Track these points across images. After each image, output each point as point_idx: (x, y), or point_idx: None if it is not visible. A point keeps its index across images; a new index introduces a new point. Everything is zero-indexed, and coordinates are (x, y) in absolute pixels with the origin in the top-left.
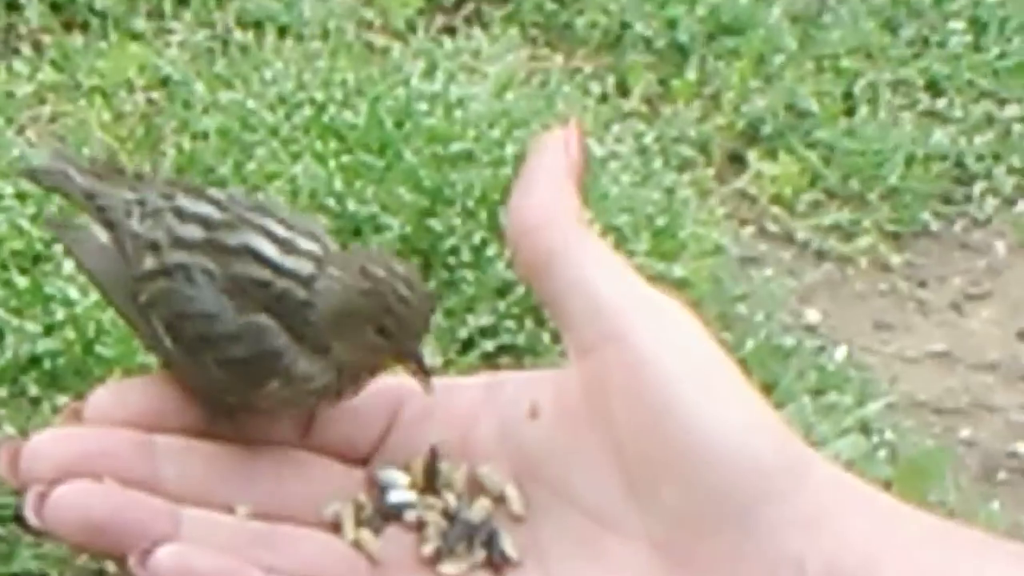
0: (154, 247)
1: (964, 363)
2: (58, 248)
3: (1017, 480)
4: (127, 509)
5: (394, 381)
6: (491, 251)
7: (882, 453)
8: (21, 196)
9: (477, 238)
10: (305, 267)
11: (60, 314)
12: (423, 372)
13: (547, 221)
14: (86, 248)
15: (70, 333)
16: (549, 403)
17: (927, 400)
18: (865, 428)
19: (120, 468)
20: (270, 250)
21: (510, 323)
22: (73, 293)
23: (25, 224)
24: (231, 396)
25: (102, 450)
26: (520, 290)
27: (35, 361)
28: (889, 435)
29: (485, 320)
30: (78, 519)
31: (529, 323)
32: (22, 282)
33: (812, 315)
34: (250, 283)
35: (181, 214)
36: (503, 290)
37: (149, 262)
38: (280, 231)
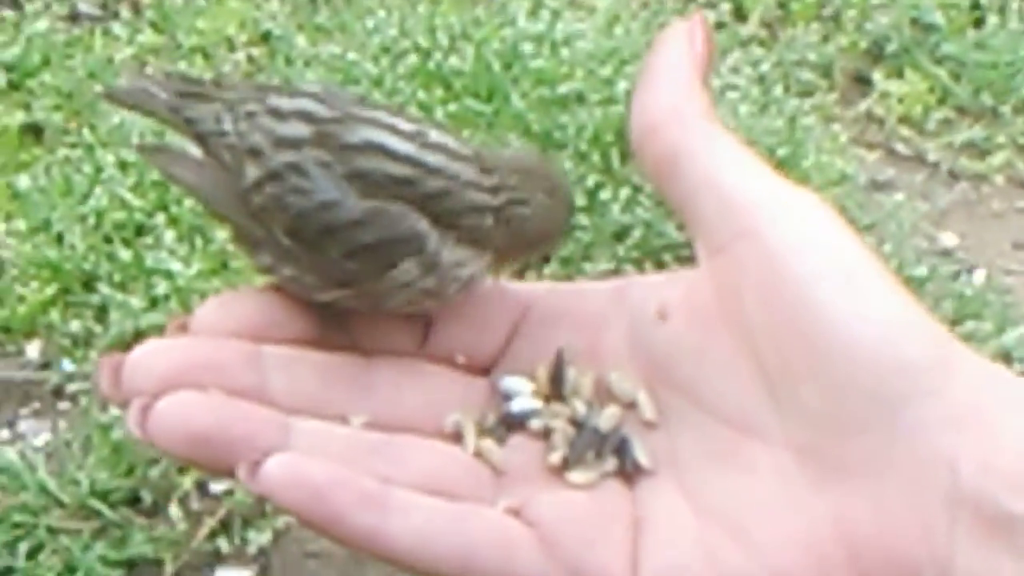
0: (254, 152)
1: None
2: (160, 219)
3: None
4: (234, 420)
5: (518, 287)
6: (606, 195)
7: None
8: (123, 166)
9: (591, 182)
10: (469, 171)
11: (163, 287)
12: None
13: (673, 118)
14: (184, 167)
15: (174, 305)
16: (680, 305)
17: None
18: (1006, 355)
19: (227, 379)
20: (403, 146)
21: (629, 268)
22: (175, 265)
23: (127, 195)
24: (360, 294)
25: (208, 361)
26: (638, 233)
27: (139, 335)
28: None
29: (603, 267)
30: (183, 431)
31: (649, 267)
32: (125, 255)
33: (948, 239)
34: (386, 179)
35: (279, 113)
36: (620, 234)
37: (252, 171)
38: (401, 124)
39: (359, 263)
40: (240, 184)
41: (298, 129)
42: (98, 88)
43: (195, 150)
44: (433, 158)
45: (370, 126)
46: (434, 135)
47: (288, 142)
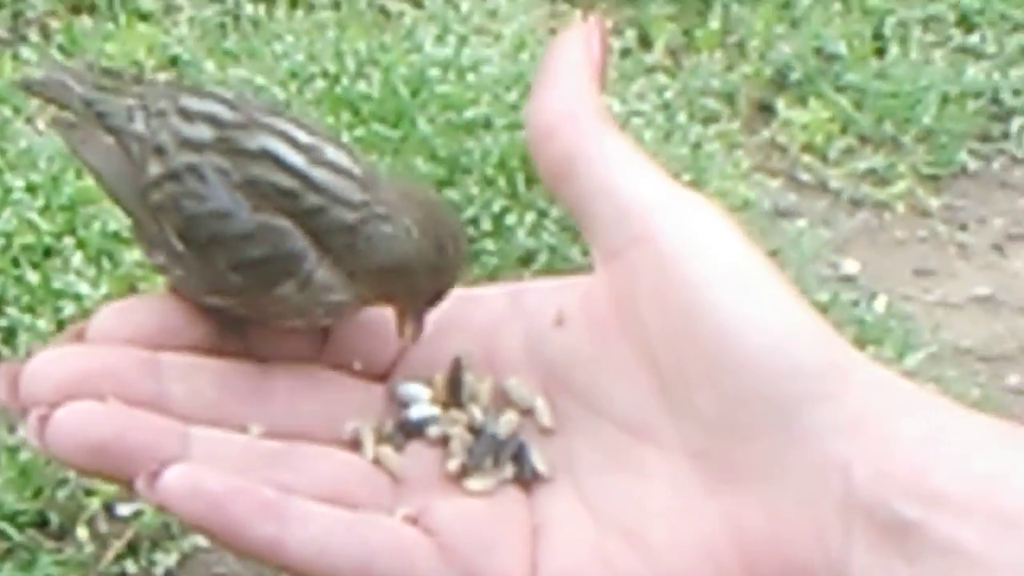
0: (160, 150)
1: (1009, 306)
2: (68, 241)
3: None
4: (132, 429)
5: None
6: (512, 219)
7: None
8: (31, 188)
9: (497, 206)
10: (347, 189)
11: (70, 309)
12: (418, 331)
13: (568, 122)
14: (93, 148)
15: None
16: (576, 311)
17: (972, 347)
18: (908, 380)
19: (125, 387)
20: (294, 157)
21: None
22: (84, 288)
23: (35, 218)
24: (243, 304)
25: (105, 369)
26: (543, 258)
27: None
28: (933, 386)
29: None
30: (81, 441)
31: None
32: (33, 278)
33: (850, 265)
34: (272, 189)
35: (187, 114)
36: (526, 259)
37: (155, 168)
38: (301, 136)
39: (243, 276)
40: (142, 179)
41: (203, 132)
42: (7, 111)
43: (107, 136)
44: (318, 173)
45: (269, 134)
46: (330, 151)
47: (191, 144)
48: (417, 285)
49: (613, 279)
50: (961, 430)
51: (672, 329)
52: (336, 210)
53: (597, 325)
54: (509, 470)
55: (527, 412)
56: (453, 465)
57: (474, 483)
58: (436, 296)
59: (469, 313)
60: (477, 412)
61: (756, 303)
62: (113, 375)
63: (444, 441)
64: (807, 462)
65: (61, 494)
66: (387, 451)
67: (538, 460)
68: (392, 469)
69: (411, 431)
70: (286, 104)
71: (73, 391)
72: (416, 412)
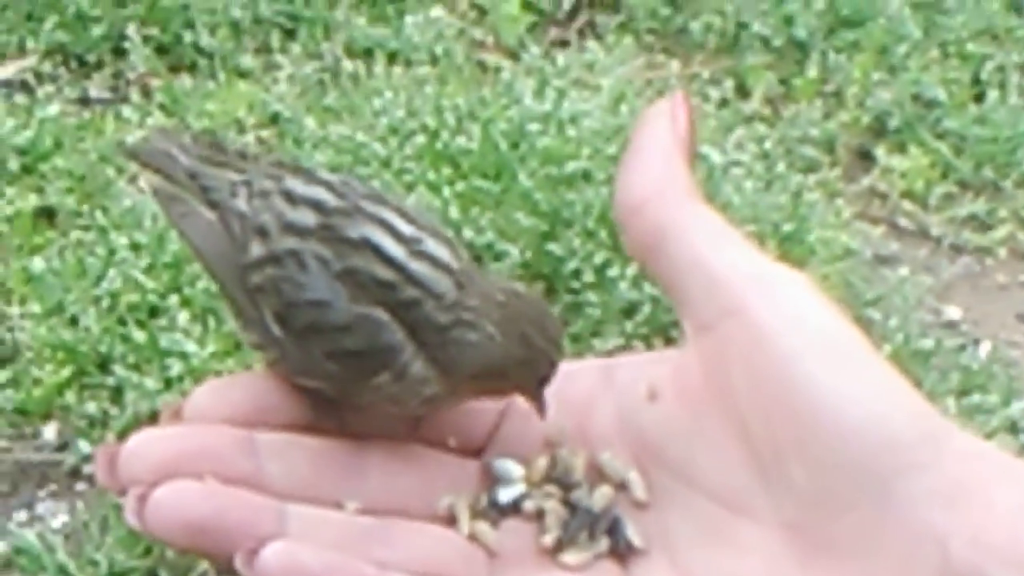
0: (262, 232)
1: None
2: (173, 300)
3: None
4: (230, 508)
5: None
6: (614, 271)
7: None
8: (136, 248)
9: (599, 259)
10: (443, 284)
11: (177, 368)
12: (542, 411)
13: (657, 196)
14: (193, 224)
15: (188, 386)
16: (668, 385)
17: None
18: (1013, 427)
19: (222, 466)
20: (394, 249)
21: (638, 343)
22: (190, 346)
23: (140, 277)
24: (337, 389)
25: (203, 449)
26: (647, 309)
27: (155, 416)
28: None
29: (612, 343)
30: (180, 520)
31: (658, 343)
32: (139, 337)
33: (952, 312)
34: (371, 280)
35: (291, 197)
36: (629, 311)
37: (256, 249)
38: (403, 227)
39: (339, 365)
40: (242, 258)
41: (306, 217)
42: (110, 171)
43: (207, 211)
44: (417, 266)
45: (371, 224)
46: (430, 244)
47: (295, 229)
48: (514, 380)
49: (705, 352)
50: None
51: (765, 402)
52: (430, 305)
53: (689, 398)
54: (604, 544)
55: (621, 486)
56: (549, 539)
57: (570, 557)
58: (542, 382)
59: (562, 388)
60: (572, 487)
61: (850, 375)
62: (210, 454)
63: (539, 515)
64: (903, 533)
65: (171, 553)
66: (482, 526)
67: (633, 533)
68: (488, 544)
69: (506, 507)
70: (387, 160)
71: (171, 471)
72: (510, 488)
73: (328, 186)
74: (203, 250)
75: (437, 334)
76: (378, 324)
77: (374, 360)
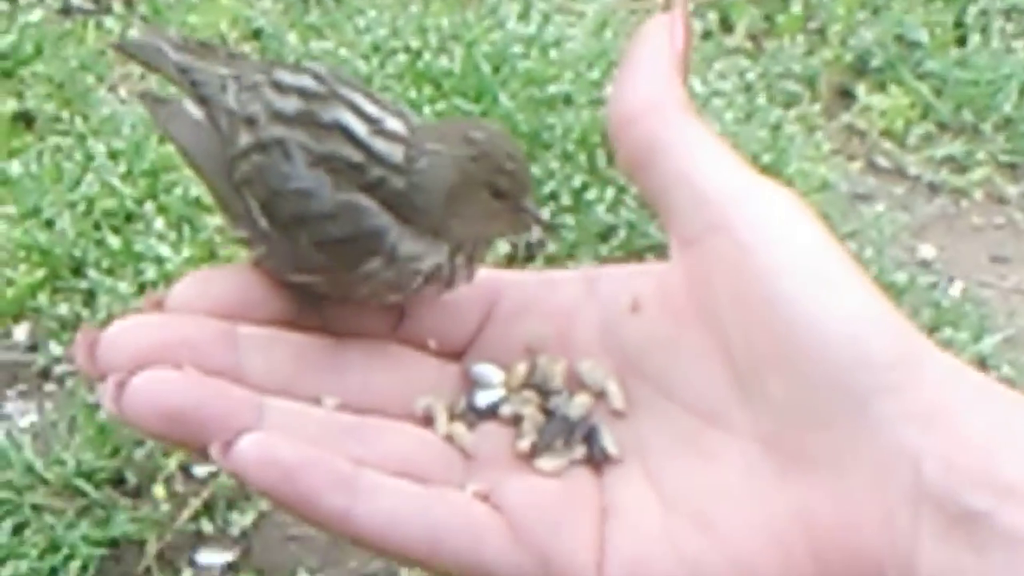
0: (250, 122)
1: None
2: (150, 207)
3: None
4: (208, 398)
5: (490, 274)
6: (592, 195)
7: None
8: (113, 155)
9: (577, 182)
10: (395, 152)
11: (151, 273)
12: (545, 225)
13: (650, 110)
14: (180, 123)
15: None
16: (651, 297)
17: None
18: (982, 363)
19: (202, 357)
20: (360, 128)
21: None
22: (165, 251)
23: (116, 183)
24: (328, 281)
25: (183, 339)
26: (623, 233)
27: None
28: (1007, 370)
29: (588, 265)
30: (157, 408)
31: None
32: (114, 242)
33: (926, 250)
34: (343, 163)
35: (280, 86)
36: (605, 234)
37: (245, 138)
38: (369, 107)
39: (327, 254)
40: (230, 151)
41: (291, 104)
42: (90, 79)
43: (195, 110)
44: (380, 144)
45: (342, 106)
46: (390, 122)
47: (281, 116)
48: (489, 195)
49: (689, 266)
50: None
51: (747, 317)
52: (393, 179)
53: (672, 311)
54: (580, 451)
55: (600, 395)
56: (524, 444)
57: (545, 463)
58: (526, 191)
59: (544, 296)
60: (550, 394)
61: (832, 293)
62: (191, 345)
63: (516, 421)
64: (878, 451)
65: (139, 453)
66: (459, 428)
67: (609, 442)
68: (464, 446)
69: (483, 410)
70: (368, 77)
71: (151, 359)
72: (489, 392)
73: (313, 74)
74: (191, 149)
75: (404, 199)
76: (361, 210)
77: (361, 246)
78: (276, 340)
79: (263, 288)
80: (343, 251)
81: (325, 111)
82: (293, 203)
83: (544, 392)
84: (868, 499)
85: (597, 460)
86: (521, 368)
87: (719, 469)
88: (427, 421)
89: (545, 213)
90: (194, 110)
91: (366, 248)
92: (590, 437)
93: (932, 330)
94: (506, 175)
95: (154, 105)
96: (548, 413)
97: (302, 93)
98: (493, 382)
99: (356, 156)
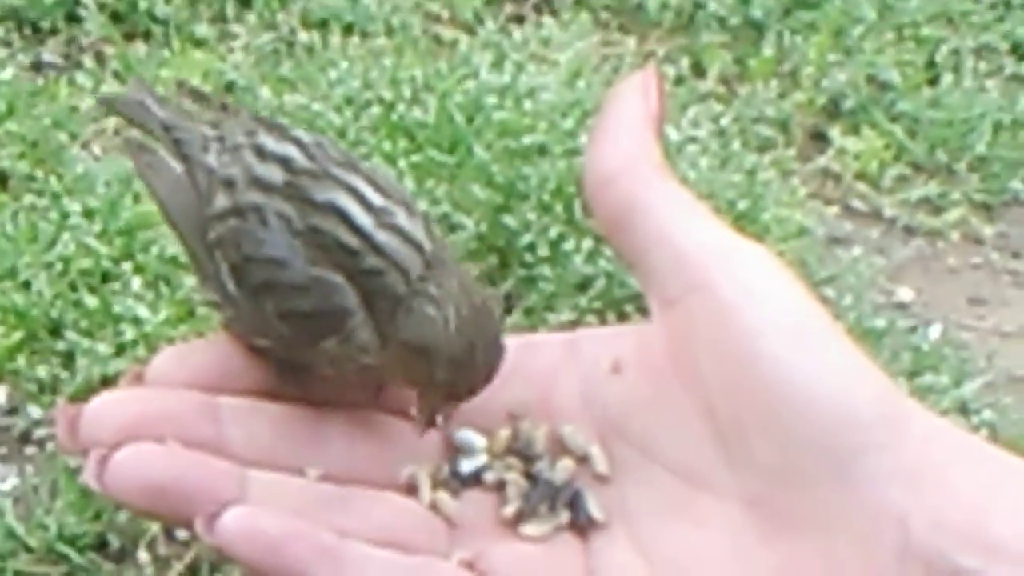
0: (228, 184)
1: None
2: (127, 266)
3: None
4: (191, 471)
5: None
6: (569, 245)
7: (982, 433)
8: (88, 214)
9: (554, 233)
10: (411, 260)
11: (130, 333)
12: (430, 423)
13: (626, 170)
14: (160, 175)
15: (141, 352)
16: (632, 359)
17: None
18: (963, 408)
19: (184, 430)
20: (362, 218)
21: (591, 318)
22: (143, 312)
23: (93, 242)
24: (284, 349)
25: (165, 412)
26: (600, 284)
27: (107, 382)
28: (988, 414)
29: (565, 317)
30: (141, 483)
31: (611, 318)
32: (91, 302)
33: (904, 293)
34: (334, 244)
35: (262, 152)
36: (583, 285)
37: (222, 200)
38: (373, 196)
39: (290, 326)
40: (206, 211)
41: (274, 173)
42: (63, 136)
43: (176, 164)
44: (385, 237)
45: (340, 189)
46: (401, 217)
47: (261, 183)
48: (436, 376)
49: (670, 327)
50: (1017, 480)
51: (729, 378)
52: (392, 276)
53: (653, 373)
54: (565, 516)
55: (583, 459)
56: (509, 511)
57: (530, 529)
58: (451, 397)
59: (526, 360)
60: (533, 460)
61: (813, 353)
62: (172, 418)
63: (500, 487)
64: (864, 512)
65: (121, 517)
66: (443, 496)
67: (594, 507)
68: (448, 514)
69: (467, 478)
70: (342, 130)
71: (133, 434)
72: (472, 459)
73: (300, 145)
74: (167, 201)
75: (392, 303)
76: (332, 287)
77: (324, 323)
78: (257, 411)
79: (242, 359)
80: (306, 325)
81: (318, 190)
82: (264, 270)
83: (527, 457)
84: (855, 559)
85: (582, 525)
86: (503, 433)
87: (705, 532)
88: (411, 489)
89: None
90: (175, 164)
91: (329, 325)
92: (574, 502)
93: (912, 375)
94: (458, 385)
95: (136, 152)
96: (532, 478)
97: (286, 164)
98: (476, 448)
99: (352, 242)
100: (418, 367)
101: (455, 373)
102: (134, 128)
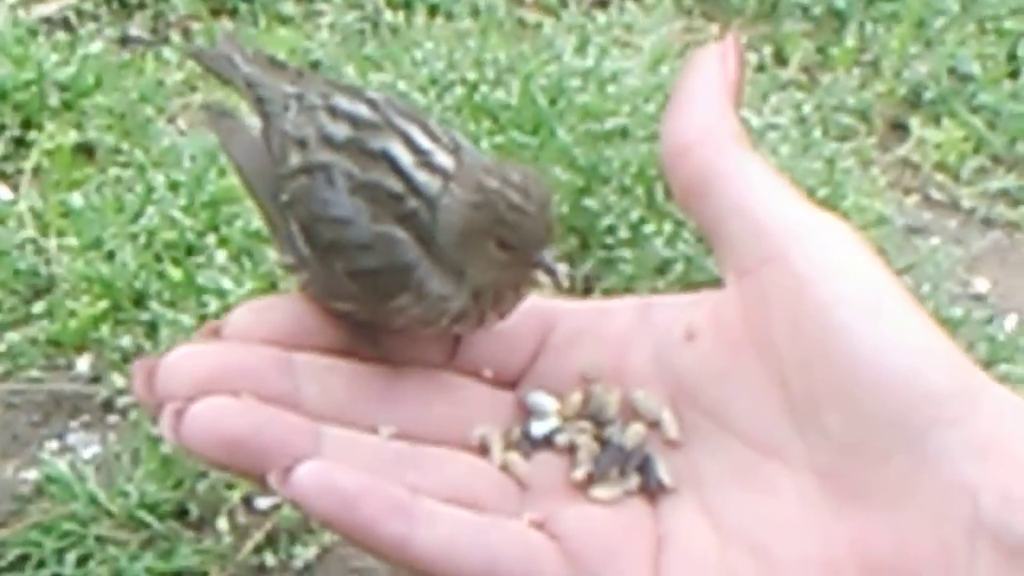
0: (302, 144)
1: None
2: (211, 239)
3: None
4: (267, 425)
5: (545, 303)
6: (649, 228)
7: None
8: (173, 186)
9: (635, 215)
10: (433, 185)
11: (214, 306)
12: (552, 274)
13: (704, 140)
14: (237, 140)
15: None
16: (706, 326)
17: None
18: None
19: (259, 385)
20: (405, 159)
21: None
22: (226, 284)
23: (177, 215)
24: (362, 310)
25: (241, 366)
26: (680, 267)
27: None
28: None
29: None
30: (216, 435)
31: None
32: (175, 274)
33: (980, 284)
34: (384, 193)
35: (334, 112)
36: (662, 268)
37: (295, 159)
38: (421, 140)
39: (359, 284)
40: (279, 171)
41: (341, 130)
42: (149, 110)
43: (254, 126)
44: (421, 176)
45: (395, 137)
46: (439, 156)
47: (329, 142)
48: (495, 245)
49: (744, 297)
50: None
51: (804, 349)
52: (423, 212)
53: (727, 342)
54: (634, 481)
55: (654, 425)
56: (579, 473)
57: (600, 492)
58: (538, 244)
59: (599, 325)
60: (605, 423)
61: (889, 326)
62: (248, 373)
63: (571, 450)
64: (936, 485)
65: (201, 486)
66: (514, 457)
67: (663, 472)
68: (519, 475)
69: (538, 440)
70: (426, 110)
71: (209, 387)
72: (544, 421)
73: (370, 103)
74: (245, 167)
75: (430, 231)
76: (395, 242)
77: (391, 279)
78: (332, 368)
79: (318, 317)
80: (375, 282)
81: (374, 139)
82: (331, 230)
83: (598, 421)
84: (925, 532)
85: (652, 490)
86: (575, 397)
87: (776, 501)
88: (482, 450)
89: (561, 268)
90: (253, 127)
91: (396, 282)
92: (644, 467)
93: (988, 365)
94: (508, 227)
95: (216, 118)
96: (602, 442)
97: (354, 120)
98: (548, 411)
99: (397, 186)
100: (490, 255)
101: (513, 226)
102: (220, 80)
